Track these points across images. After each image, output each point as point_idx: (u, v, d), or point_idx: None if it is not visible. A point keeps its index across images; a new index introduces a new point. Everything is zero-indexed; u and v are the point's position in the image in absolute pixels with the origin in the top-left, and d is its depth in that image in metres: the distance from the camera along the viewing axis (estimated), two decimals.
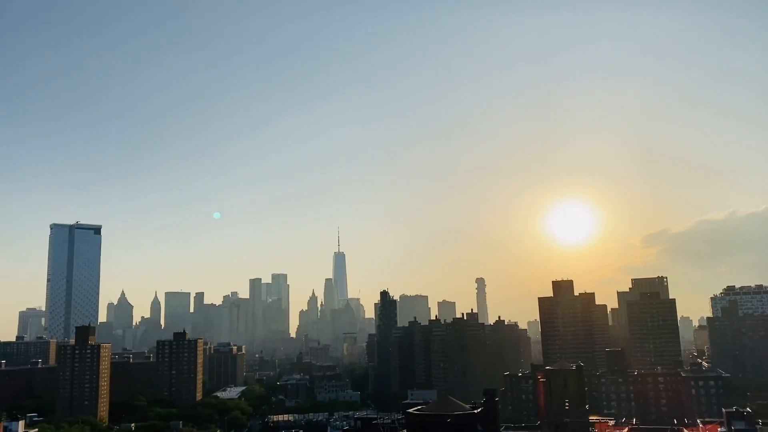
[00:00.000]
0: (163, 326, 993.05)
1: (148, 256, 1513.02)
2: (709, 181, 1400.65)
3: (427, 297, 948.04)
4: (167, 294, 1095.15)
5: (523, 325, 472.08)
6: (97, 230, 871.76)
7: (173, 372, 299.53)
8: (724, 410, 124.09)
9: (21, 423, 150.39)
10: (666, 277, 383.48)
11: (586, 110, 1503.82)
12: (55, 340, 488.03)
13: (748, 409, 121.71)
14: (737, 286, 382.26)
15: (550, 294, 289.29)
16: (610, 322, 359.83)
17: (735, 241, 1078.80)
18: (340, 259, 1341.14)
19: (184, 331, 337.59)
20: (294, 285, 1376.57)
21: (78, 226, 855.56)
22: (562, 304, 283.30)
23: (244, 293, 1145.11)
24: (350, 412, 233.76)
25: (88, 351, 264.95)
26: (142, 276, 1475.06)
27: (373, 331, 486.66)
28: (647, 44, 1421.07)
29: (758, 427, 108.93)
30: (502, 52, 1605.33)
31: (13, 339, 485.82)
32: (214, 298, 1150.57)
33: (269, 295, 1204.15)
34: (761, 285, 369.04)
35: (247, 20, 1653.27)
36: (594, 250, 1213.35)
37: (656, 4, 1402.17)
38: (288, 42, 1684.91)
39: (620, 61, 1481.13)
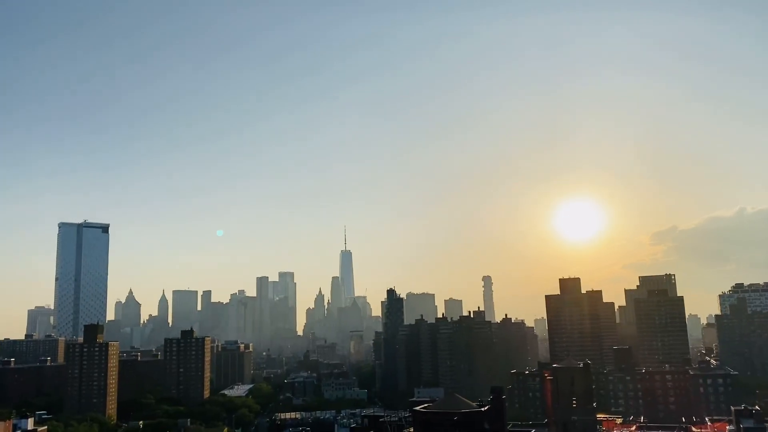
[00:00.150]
0: (170, 324, 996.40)
1: (155, 255, 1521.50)
2: (718, 177, 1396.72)
3: (433, 295, 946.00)
4: (175, 292, 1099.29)
5: (530, 323, 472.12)
6: (105, 229, 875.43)
7: (181, 370, 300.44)
8: (732, 408, 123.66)
9: (30, 421, 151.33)
10: (674, 275, 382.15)
11: (593, 106, 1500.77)
12: (63, 339, 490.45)
13: (756, 407, 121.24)
14: (746, 283, 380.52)
15: (557, 292, 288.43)
16: (618, 320, 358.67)
17: (744, 238, 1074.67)
18: (346, 258, 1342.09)
19: (191, 329, 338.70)
20: (301, 283, 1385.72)
21: (86, 225, 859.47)
22: (570, 302, 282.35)
23: (251, 291, 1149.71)
24: (357, 410, 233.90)
25: (97, 349, 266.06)
26: (150, 274, 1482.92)
27: (380, 329, 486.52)
28: (656, 38, 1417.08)
29: (767, 424, 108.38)
30: (509, 48, 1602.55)
31: (22, 337, 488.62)
32: (221, 296, 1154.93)
33: (276, 293, 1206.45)
34: None
35: (253, 15, 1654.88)
36: (601, 247, 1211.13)
37: None
38: (294, 35, 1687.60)
39: (628, 55, 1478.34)
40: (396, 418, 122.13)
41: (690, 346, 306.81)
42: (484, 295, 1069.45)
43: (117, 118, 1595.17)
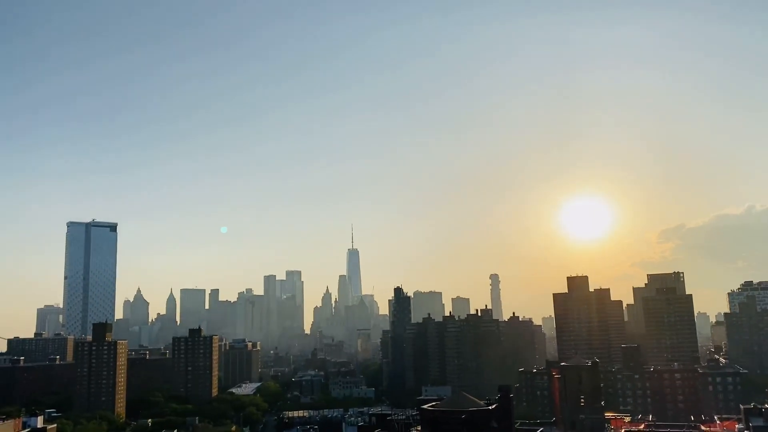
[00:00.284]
0: (178, 323, 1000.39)
1: (163, 254, 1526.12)
2: (726, 175, 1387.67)
3: (441, 293, 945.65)
4: (183, 291, 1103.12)
5: (537, 321, 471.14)
6: (113, 228, 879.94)
7: (189, 368, 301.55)
8: (741, 407, 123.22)
9: (39, 418, 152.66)
10: (682, 273, 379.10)
11: (601, 102, 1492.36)
12: (72, 337, 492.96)
13: (766, 405, 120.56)
14: (755, 281, 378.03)
15: (565, 290, 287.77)
16: (626, 318, 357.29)
17: (753, 235, 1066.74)
18: (353, 256, 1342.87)
19: (199, 327, 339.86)
20: (308, 281, 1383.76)
21: (94, 224, 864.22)
22: (577, 300, 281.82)
23: (259, 290, 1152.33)
24: (365, 409, 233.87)
25: (105, 347, 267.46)
26: (158, 273, 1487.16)
27: (387, 327, 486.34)
28: (665, 34, 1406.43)
29: None
30: (516, 43, 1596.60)
31: (32, 336, 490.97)
32: (229, 294, 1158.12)
33: (284, 291, 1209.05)
34: None
35: (259, 8, 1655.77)
36: (609, 245, 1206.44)
37: None
38: (300, 28, 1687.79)
39: (636, 50, 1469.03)
40: (404, 417, 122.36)
41: (699, 345, 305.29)
42: (491, 293, 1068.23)
43: (124, 118, 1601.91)
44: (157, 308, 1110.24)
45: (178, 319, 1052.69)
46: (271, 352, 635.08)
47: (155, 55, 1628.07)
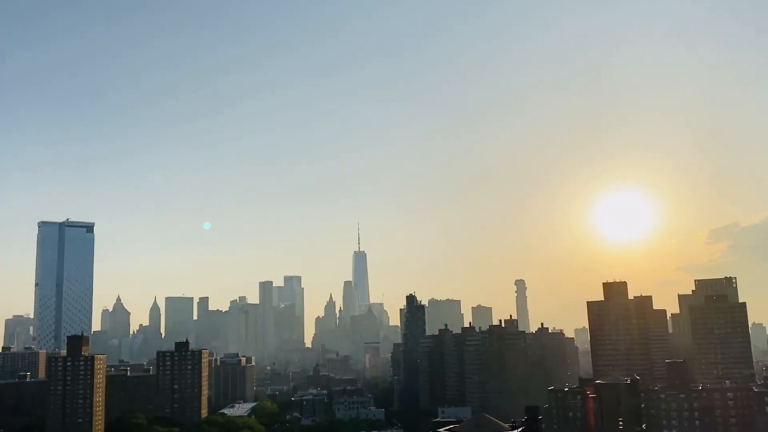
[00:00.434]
0: (163, 335, 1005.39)
1: (146, 257, 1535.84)
2: None
3: (459, 301, 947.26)
4: (168, 299, 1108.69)
5: (569, 333, 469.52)
6: (89, 228, 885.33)
7: (175, 386, 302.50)
8: None
9: None
10: (735, 278, 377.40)
11: (642, 82, 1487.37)
12: (44, 351, 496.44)
13: None
14: None
15: (601, 297, 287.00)
16: (670, 330, 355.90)
17: None
18: (360, 259, 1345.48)
19: (186, 340, 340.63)
20: (309, 289, 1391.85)
21: (69, 224, 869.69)
22: (615, 309, 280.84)
23: (254, 298, 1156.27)
24: None
25: (81, 363, 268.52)
26: (140, 279, 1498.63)
27: (399, 340, 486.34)
28: (715, 5, 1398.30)
29: None
30: (545, 18, 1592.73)
31: None
32: (219, 303, 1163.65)
33: (281, 300, 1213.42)
34: None
35: None
36: (651, 246, 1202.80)
37: None
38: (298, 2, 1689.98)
39: (682, 25, 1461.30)
40: None
41: (754, 359, 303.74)
42: (516, 301, 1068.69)
43: (101, 106, 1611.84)
44: (139, 319, 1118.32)
45: (162, 331, 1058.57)
46: (268, 368, 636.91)
47: (137, 28, 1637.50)
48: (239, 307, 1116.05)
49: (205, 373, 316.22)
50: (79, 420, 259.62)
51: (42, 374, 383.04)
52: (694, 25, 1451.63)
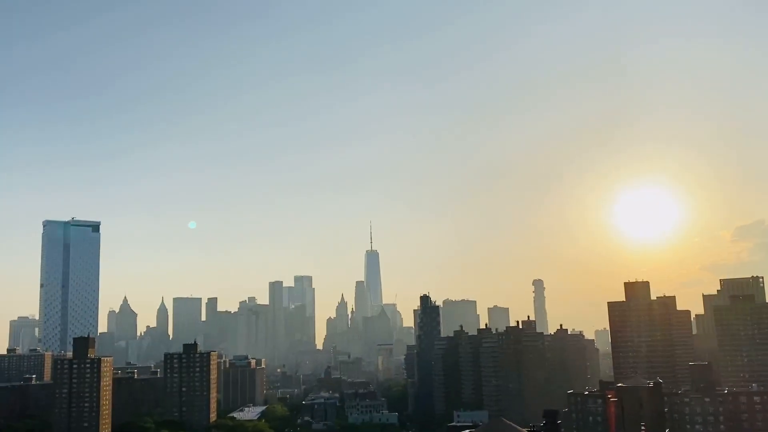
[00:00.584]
0: (171, 337, 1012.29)
1: (153, 256, 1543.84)
2: None
3: (475, 302, 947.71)
4: (175, 300, 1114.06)
5: (589, 335, 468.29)
6: (95, 227, 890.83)
7: (183, 389, 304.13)
8: None
9: None
10: (762, 277, 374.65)
11: (665, 72, 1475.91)
12: (50, 353, 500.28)
13: None
14: None
15: (622, 298, 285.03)
16: (695, 331, 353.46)
17: None
18: (372, 259, 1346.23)
19: (195, 342, 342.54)
20: (320, 289, 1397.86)
21: (74, 223, 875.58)
22: (637, 310, 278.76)
23: (263, 299, 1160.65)
24: None
25: (88, 365, 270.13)
26: (147, 279, 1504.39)
27: (413, 341, 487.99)
28: None
29: None
30: (561, 6, 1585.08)
31: (4, 352, 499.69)
32: (228, 304, 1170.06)
33: (292, 300, 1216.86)
34: None
35: None
36: (674, 245, 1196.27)
37: None
38: None
39: (709, 14, 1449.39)
40: None
41: None
42: (534, 301, 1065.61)
43: (107, 103, 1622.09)
44: (146, 320, 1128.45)
45: (170, 332, 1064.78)
46: (278, 370, 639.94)
47: (143, 16, 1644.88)
48: (248, 307, 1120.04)
49: (213, 375, 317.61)
50: (85, 423, 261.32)
51: (47, 377, 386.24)
52: (721, 16, 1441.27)
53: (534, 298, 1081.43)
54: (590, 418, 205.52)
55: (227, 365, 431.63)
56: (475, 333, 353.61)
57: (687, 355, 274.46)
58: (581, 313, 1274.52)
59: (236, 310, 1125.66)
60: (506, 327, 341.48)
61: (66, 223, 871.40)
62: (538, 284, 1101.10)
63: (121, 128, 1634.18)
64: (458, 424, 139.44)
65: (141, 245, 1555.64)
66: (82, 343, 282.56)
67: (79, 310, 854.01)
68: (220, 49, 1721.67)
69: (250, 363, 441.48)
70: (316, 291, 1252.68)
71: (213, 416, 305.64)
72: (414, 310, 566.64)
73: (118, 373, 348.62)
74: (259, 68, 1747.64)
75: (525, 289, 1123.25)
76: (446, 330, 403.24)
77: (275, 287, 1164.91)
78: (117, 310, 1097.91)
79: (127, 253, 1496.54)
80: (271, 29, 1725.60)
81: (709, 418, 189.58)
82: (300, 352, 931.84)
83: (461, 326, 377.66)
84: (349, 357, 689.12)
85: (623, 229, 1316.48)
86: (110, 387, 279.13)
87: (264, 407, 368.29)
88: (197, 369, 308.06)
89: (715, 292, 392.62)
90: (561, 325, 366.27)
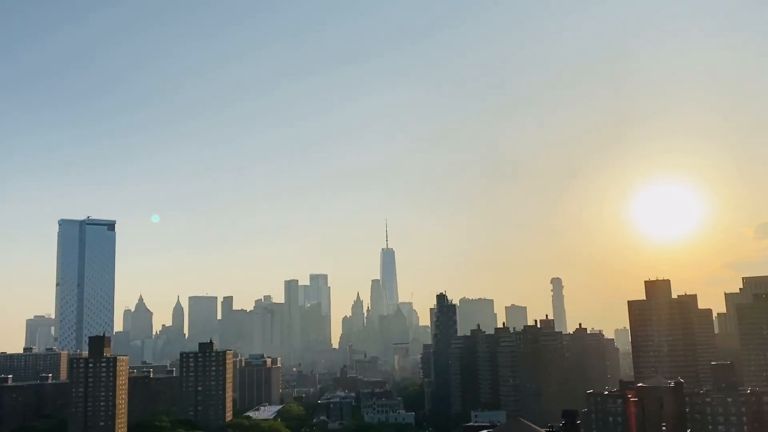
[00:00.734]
0: (186, 336, 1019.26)
1: (168, 256, 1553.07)
2: None
3: (492, 301, 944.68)
4: (191, 299, 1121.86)
5: (609, 334, 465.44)
6: (111, 226, 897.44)
7: (199, 388, 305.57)
8: None
9: None
10: None
11: (686, 64, 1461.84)
12: (66, 352, 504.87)
13: None
14: None
15: (643, 296, 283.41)
16: (716, 330, 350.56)
17: None
18: (388, 257, 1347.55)
19: (210, 341, 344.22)
20: (336, 287, 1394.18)
21: (89, 222, 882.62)
22: (657, 309, 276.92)
23: (279, 297, 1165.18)
24: None
25: (103, 364, 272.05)
26: (163, 278, 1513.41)
27: (429, 340, 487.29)
28: None
29: None
30: (579, 4, 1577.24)
31: (20, 350, 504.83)
32: (244, 302, 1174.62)
33: (307, 299, 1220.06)
34: None
35: None
36: (695, 242, 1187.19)
37: None
38: None
39: (733, 7, 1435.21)
40: None
41: None
42: (553, 300, 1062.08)
43: (120, 104, 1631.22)
44: (161, 319, 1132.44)
45: (186, 331, 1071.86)
46: (294, 369, 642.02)
47: (151, 36, 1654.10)
48: (264, 306, 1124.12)
49: (229, 374, 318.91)
50: (101, 422, 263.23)
51: (64, 376, 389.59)
52: (740, 9, 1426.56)
53: (552, 296, 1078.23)
54: (610, 419, 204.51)
55: (243, 364, 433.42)
56: (493, 332, 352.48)
57: (709, 354, 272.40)
58: (601, 312, 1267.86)
59: (252, 308, 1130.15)
60: (524, 326, 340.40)
61: (81, 222, 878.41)
62: (556, 283, 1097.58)
63: (136, 128, 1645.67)
64: (476, 425, 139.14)
65: (156, 244, 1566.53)
66: (98, 342, 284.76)
67: (95, 309, 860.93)
68: (234, 47, 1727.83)
69: (265, 362, 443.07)
70: (331, 289, 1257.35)
71: (229, 415, 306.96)
72: (430, 309, 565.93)
73: (133, 372, 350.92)
74: (273, 66, 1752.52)
75: (543, 287, 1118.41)
76: (463, 329, 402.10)
77: (291, 286, 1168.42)
78: (132, 309, 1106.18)
79: (143, 251, 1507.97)
80: (286, 25, 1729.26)
81: (731, 419, 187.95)
82: (316, 351, 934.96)
83: (478, 325, 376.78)
84: (364, 356, 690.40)
85: (643, 227, 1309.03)
86: (126, 386, 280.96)
87: (280, 406, 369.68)
88: (213, 368, 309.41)
89: (738, 290, 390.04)
90: (580, 324, 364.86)
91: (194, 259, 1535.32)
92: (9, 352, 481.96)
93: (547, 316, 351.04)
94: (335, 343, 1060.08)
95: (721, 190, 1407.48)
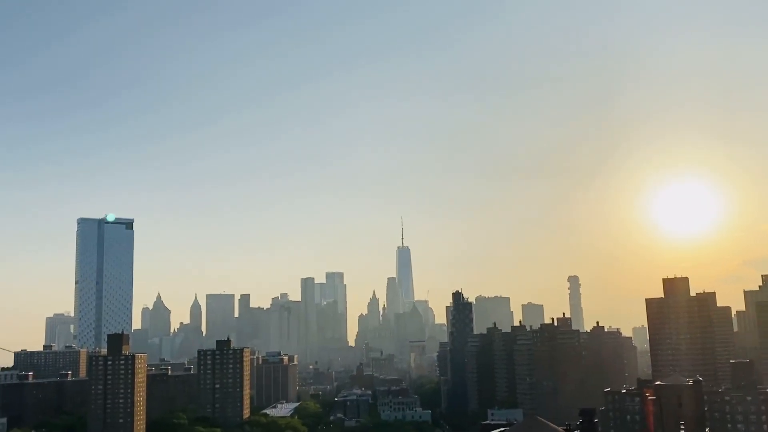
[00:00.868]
0: (204, 333, 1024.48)
1: (186, 254, 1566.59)
2: None
3: (508, 299, 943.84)
4: (208, 296, 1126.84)
5: (627, 332, 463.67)
6: (129, 224, 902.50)
7: (216, 386, 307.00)
8: None
9: None
10: None
11: (701, 58, 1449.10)
12: (85, 350, 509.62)
13: None
14: None
15: (661, 294, 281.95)
16: (736, 328, 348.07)
17: None
18: (404, 255, 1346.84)
19: (228, 338, 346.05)
20: (352, 285, 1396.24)
21: (108, 221, 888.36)
22: (676, 307, 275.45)
23: (295, 295, 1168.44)
24: None
25: (122, 362, 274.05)
26: (181, 276, 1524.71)
27: (445, 338, 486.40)
28: None
29: None
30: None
31: (40, 348, 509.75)
32: (261, 300, 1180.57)
33: (324, 297, 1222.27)
34: None
35: None
36: (714, 239, 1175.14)
37: None
38: None
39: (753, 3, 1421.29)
40: None
41: None
42: (570, 298, 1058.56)
43: (139, 101, 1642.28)
44: (179, 317, 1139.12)
45: (203, 329, 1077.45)
46: (311, 366, 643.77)
47: (171, 34, 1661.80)
48: (281, 304, 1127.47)
49: (246, 372, 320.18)
50: (120, 419, 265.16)
51: (83, 373, 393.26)
52: (760, 5, 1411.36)
53: (569, 294, 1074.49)
54: (627, 417, 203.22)
55: (260, 362, 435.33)
56: (509, 330, 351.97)
57: (727, 352, 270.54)
58: (618, 310, 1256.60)
59: (269, 306, 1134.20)
60: (541, 324, 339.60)
61: (100, 221, 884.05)
62: (573, 280, 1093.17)
63: (154, 128, 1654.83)
64: (492, 422, 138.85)
65: (174, 242, 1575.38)
66: (117, 340, 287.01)
67: (114, 307, 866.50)
68: (253, 49, 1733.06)
69: (282, 359, 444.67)
70: (347, 287, 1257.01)
71: (246, 412, 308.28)
72: (446, 307, 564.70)
73: (152, 369, 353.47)
74: (290, 68, 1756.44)
75: (560, 285, 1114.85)
76: (479, 327, 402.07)
77: (307, 283, 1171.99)
78: (151, 307, 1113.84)
79: (161, 250, 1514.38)
80: (307, 25, 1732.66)
81: (751, 417, 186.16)
82: (332, 349, 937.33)
83: (494, 323, 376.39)
84: (381, 354, 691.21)
85: (661, 224, 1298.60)
86: (144, 383, 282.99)
87: (297, 404, 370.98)
88: (230, 365, 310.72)
89: (757, 288, 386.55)
90: (597, 323, 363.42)
91: (212, 258, 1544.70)
92: (29, 349, 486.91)
93: (564, 314, 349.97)
94: (351, 341, 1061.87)
95: (740, 187, 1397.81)
